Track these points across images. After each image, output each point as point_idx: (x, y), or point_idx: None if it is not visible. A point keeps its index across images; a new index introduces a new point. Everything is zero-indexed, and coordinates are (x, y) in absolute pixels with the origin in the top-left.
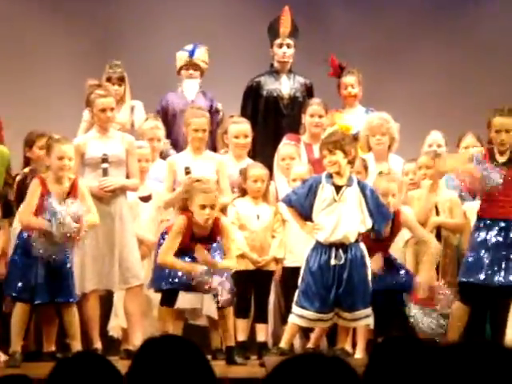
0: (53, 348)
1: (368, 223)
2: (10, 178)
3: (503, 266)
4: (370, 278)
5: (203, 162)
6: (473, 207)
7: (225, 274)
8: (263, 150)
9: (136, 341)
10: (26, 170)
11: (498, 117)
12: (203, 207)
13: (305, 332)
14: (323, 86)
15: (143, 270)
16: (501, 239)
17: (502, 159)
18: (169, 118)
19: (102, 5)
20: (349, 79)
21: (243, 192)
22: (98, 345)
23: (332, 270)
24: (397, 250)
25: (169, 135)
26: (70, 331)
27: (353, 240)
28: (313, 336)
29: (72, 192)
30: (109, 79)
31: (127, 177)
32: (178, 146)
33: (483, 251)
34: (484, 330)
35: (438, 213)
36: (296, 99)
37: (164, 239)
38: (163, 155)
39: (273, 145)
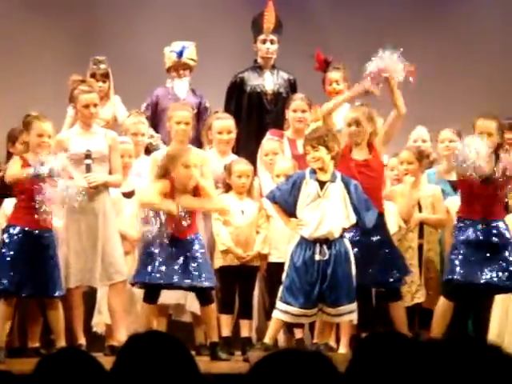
0: (37, 344)
1: (352, 218)
2: None
3: (486, 264)
4: (354, 273)
5: None
6: (455, 202)
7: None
8: (247, 145)
9: (120, 337)
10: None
11: (481, 119)
12: (187, 167)
13: (289, 327)
14: (307, 82)
15: (126, 265)
16: (482, 238)
17: None
18: (158, 113)
19: (84, 3)
20: (334, 75)
21: (227, 187)
22: (82, 341)
23: (316, 266)
24: None
25: (157, 131)
26: (55, 327)
27: (337, 235)
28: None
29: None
30: (93, 75)
31: (110, 173)
32: (166, 142)
33: (466, 250)
34: (466, 326)
35: (420, 209)
36: (280, 95)
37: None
38: (153, 150)
39: (257, 140)
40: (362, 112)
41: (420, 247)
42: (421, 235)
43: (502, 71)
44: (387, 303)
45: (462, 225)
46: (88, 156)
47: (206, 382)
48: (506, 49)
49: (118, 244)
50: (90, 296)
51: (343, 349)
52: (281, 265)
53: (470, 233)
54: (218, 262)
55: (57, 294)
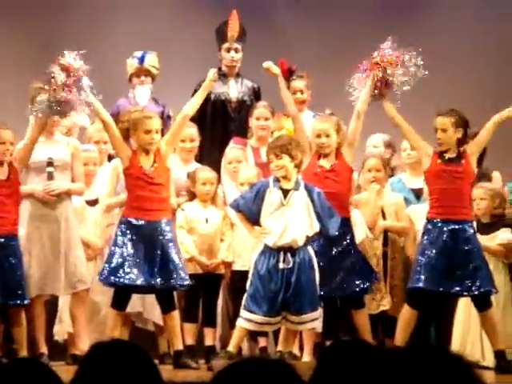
0: None
1: (316, 226)
2: None
3: (452, 271)
4: (317, 281)
5: None
6: (416, 211)
7: None
8: (211, 153)
9: (83, 345)
10: None
11: (437, 117)
12: (148, 132)
13: (252, 335)
14: (271, 89)
15: (89, 273)
16: (450, 243)
17: (449, 155)
18: None
19: (49, 9)
20: (298, 84)
21: (191, 196)
22: (44, 350)
23: (280, 274)
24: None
25: None
26: (17, 336)
27: (301, 244)
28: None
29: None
30: None
31: (72, 181)
32: None
33: (432, 256)
34: (429, 334)
35: (384, 216)
36: (244, 103)
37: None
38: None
39: (220, 148)
40: (331, 123)
41: (384, 255)
42: (385, 243)
43: (476, 76)
44: (350, 311)
45: (430, 227)
46: (50, 164)
47: None
48: (479, 53)
49: (80, 252)
50: (51, 304)
51: (307, 357)
52: (245, 273)
53: (439, 237)
54: None
55: (25, 302)
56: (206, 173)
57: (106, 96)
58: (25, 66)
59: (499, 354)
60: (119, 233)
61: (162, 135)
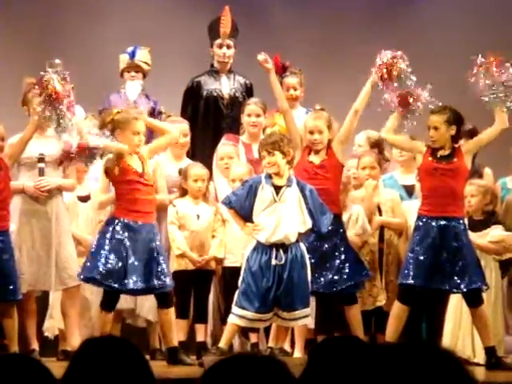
0: None
1: (308, 223)
2: None
3: (441, 268)
4: (309, 277)
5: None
6: (408, 207)
7: None
8: (203, 150)
9: (74, 341)
10: None
11: (430, 115)
12: (137, 133)
13: (244, 331)
14: (264, 86)
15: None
16: (438, 239)
17: (441, 153)
18: None
19: (42, 5)
20: (291, 80)
21: (183, 192)
22: (35, 346)
23: (272, 271)
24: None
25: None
26: (8, 332)
27: (293, 240)
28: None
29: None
30: None
31: (64, 177)
32: None
33: (423, 252)
34: (420, 330)
35: (380, 213)
36: (236, 99)
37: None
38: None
39: (213, 145)
40: (324, 120)
41: (380, 251)
42: (381, 239)
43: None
44: (343, 306)
45: (420, 223)
46: (41, 160)
47: None
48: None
49: (71, 248)
50: (41, 300)
51: (298, 353)
52: (236, 269)
53: (429, 233)
54: (174, 266)
55: (18, 298)
56: (197, 169)
57: (97, 92)
58: (18, 63)
59: (490, 351)
60: (112, 233)
61: (151, 133)
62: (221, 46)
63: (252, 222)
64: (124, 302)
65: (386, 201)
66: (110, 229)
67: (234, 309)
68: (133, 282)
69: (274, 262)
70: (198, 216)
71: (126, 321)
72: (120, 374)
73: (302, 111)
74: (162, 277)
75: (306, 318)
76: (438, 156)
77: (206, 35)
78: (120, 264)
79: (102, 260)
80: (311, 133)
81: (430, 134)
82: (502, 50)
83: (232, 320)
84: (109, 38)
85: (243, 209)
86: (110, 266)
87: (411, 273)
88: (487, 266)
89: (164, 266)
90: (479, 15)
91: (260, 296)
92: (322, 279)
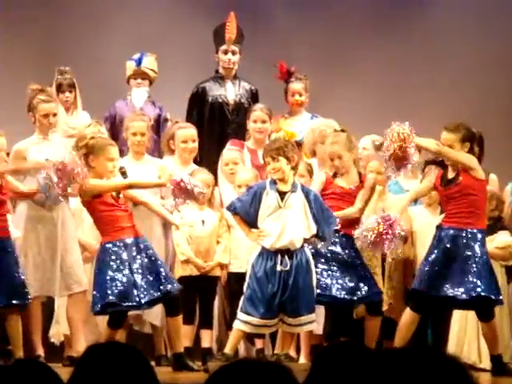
0: None
1: (313, 229)
2: None
3: (451, 277)
4: (314, 283)
5: (144, 166)
6: (412, 212)
7: None
8: (208, 155)
9: (79, 347)
10: None
11: (443, 131)
12: (111, 160)
13: (249, 337)
14: (269, 92)
15: (86, 275)
16: (451, 248)
17: (448, 176)
18: (116, 126)
19: (48, 12)
20: (296, 86)
21: None
22: (40, 352)
23: (278, 276)
24: None
25: (117, 143)
26: (13, 338)
27: (298, 246)
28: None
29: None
30: (60, 85)
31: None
32: (124, 153)
33: (431, 261)
34: (426, 336)
35: None
36: (241, 105)
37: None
38: None
39: (218, 150)
40: (342, 144)
41: (383, 256)
42: None
43: (477, 78)
44: (366, 315)
45: (437, 233)
46: None
47: None
48: (480, 54)
49: (77, 254)
50: (47, 306)
51: (303, 359)
52: (241, 275)
53: (443, 242)
54: (178, 271)
55: (26, 302)
56: (202, 175)
57: (103, 98)
58: (22, 68)
59: (496, 358)
60: (109, 258)
61: (158, 139)
62: (226, 52)
63: (257, 227)
64: None
65: (391, 206)
66: (106, 255)
67: (240, 314)
68: (144, 295)
69: (279, 267)
70: (203, 221)
71: (132, 327)
72: (125, 380)
73: (307, 117)
74: (169, 280)
75: (311, 323)
76: (446, 181)
77: (211, 41)
78: (127, 283)
79: (110, 284)
80: (331, 159)
81: None
82: (507, 53)
83: (237, 326)
84: (113, 43)
85: (248, 215)
86: (120, 287)
87: (421, 280)
88: None
89: (166, 268)
90: (483, 18)
91: (265, 302)
92: (349, 287)
